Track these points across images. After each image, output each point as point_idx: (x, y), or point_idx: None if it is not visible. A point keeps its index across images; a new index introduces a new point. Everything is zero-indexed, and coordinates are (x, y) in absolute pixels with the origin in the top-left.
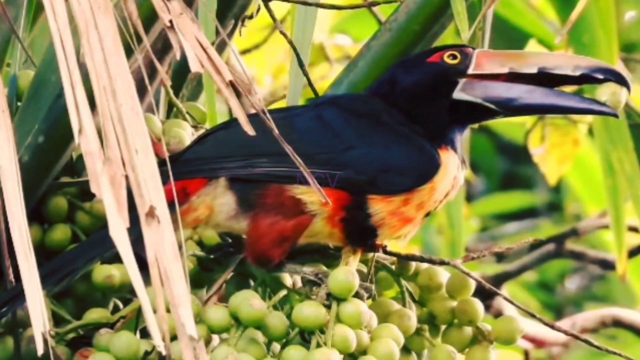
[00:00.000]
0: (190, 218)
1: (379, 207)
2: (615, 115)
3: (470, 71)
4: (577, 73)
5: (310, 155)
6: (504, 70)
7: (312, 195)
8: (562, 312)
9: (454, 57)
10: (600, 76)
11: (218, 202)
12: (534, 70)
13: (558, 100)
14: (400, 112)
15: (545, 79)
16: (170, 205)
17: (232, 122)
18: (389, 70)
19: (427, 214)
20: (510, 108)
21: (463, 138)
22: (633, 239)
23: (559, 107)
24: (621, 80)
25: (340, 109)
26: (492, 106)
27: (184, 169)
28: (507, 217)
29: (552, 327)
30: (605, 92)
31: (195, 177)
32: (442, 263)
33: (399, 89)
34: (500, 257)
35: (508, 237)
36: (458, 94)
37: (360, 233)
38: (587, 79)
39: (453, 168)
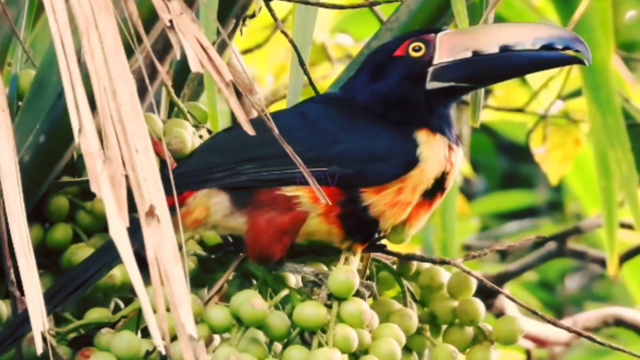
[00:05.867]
0: (189, 220)
1: (374, 199)
2: (582, 63)
3: (435, 61)
4: (537, 46)
5: (296, 154)
6: (467, 54)
7: (302, 193)
8: (562, 312)
9: (418, 49)
10: (560, 46)
11: (213, 201)
12: (496, 50)
13: (524, 60)
14: (377, 105)
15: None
16: (171, 209)
17: (220, 132)
18: (362, 65)
19: (426, 194)
20: (482, 81)
21: (448, 116)
22: (633, 240)
23: (526, 66)
24: (580, 48)
25: (321, 105)
26: (465, 84)
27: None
28: (507, 216)
29: (555, 324)
30: None
31: (184, 192)
32: (443, 263)
33: (372, 90)
34: (501, 257)
35: (509, 237)
36: (430, 85)
37: (359, 227)
38: (548, 48)
39: (439, 147)
